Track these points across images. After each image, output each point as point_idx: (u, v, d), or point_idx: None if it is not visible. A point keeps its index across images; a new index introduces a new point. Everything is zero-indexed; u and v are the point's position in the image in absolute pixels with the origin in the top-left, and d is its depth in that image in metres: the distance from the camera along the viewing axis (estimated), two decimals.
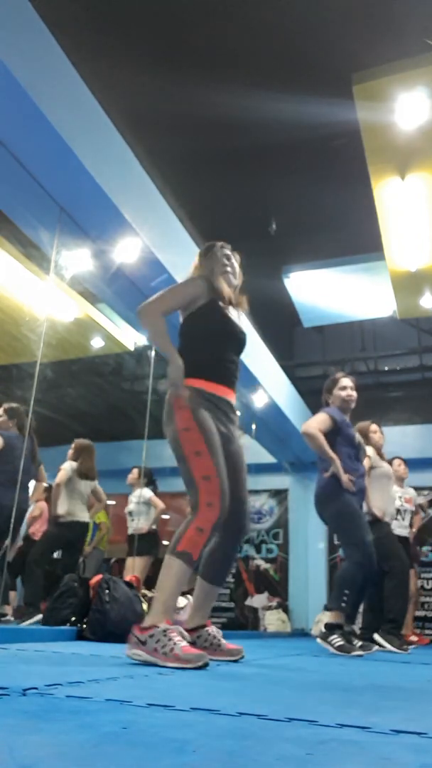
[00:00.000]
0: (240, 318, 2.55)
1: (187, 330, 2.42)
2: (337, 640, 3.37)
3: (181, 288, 2.46)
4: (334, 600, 3.51)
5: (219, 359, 2.35)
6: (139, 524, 6.28)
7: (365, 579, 3.48)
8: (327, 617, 8.28)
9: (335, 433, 3.67)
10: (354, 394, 3.85)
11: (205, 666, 1.87)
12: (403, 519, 5.62)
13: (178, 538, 2.05)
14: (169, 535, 2.35)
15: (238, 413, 2.42)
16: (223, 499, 2.09)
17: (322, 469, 3.67)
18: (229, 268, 2.54)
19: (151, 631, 1.91)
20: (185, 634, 2.03)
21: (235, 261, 2.61)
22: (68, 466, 5.34)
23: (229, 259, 2.58)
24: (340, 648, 3.33)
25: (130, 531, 6.36)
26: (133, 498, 6.44)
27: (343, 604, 3.43)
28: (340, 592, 3.46)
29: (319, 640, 3.50)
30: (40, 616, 4.58)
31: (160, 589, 2.03)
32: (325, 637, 3.44)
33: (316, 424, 3.67)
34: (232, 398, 2.36)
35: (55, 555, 5.59)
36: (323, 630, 3.49)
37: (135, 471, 6.59)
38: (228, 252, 2.60)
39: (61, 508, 5.20)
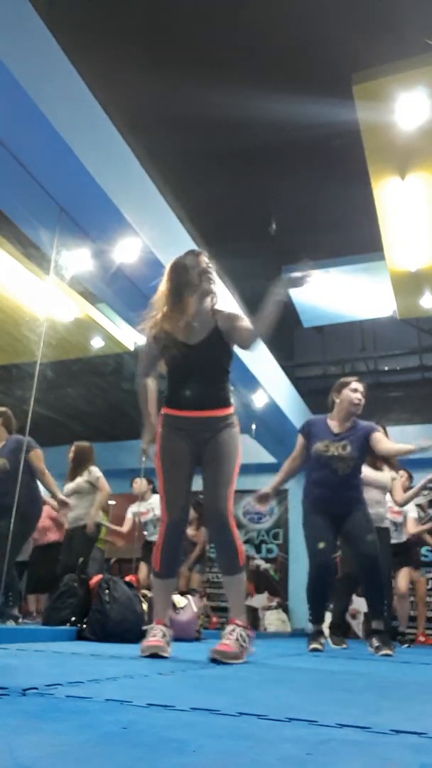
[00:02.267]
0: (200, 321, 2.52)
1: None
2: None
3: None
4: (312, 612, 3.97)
5: (170, 386, 2.59)
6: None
7: (318, 586, 3.85)
8: (327, 617, 8.29)
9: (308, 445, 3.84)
10: (362, 400, 3.84)
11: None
12: (396, 530, 5.63)
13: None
14: None
15: (228, 420, 2.50)
16: (167, 513, 2.42)
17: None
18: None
19: (245, 630, 2.36)
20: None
21: (204, 263, 2.56)
22: (99, 473, 5.37)
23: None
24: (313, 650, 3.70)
25: (149, 539, 6.33)
26: (144, 507, 6.37)
27: (310, 617, 3.92)
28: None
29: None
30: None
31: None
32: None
33: (292, 454, 4.03)
34: (194, 414, 2.48)
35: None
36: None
37: (142, 482, 6.44)
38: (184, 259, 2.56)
39: (91, 516, 5.25)
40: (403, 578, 5.74)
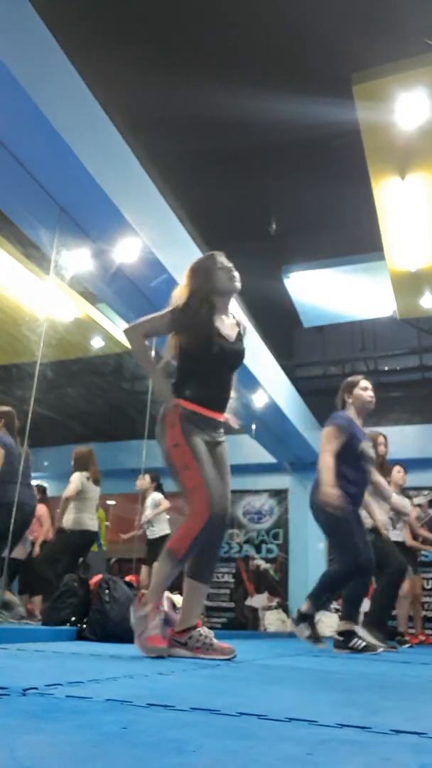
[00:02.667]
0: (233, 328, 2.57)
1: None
2: (359, 642, 3.42)
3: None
4: (320, 598, 3.63)
5: (206, 384, 2.46)
6: (161, 528, 6.27)
7: (358, 584, 3.55)
8: (327, 617, 8.28)
9: (342, 444, 3.63)
10: (374, 397, 3.84)
11: (234, 657, 2.25)
12: (395, 528, 5.62)
13: (172, 536, 2.35)
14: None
15: (231, 420, 2.50)
16: (212, 506, 2.26)
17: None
18: (234, 274, 2.56)
19: (189, 633, 2.32)
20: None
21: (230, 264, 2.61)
22: (78, 479, 5.30)
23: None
24: (365, 649, 3.39)
25: (150, 537, 6.31)
26: (149, 505, 6.38)
27: (319, 602, 3.61)
28: (323, 592, 3.59)
29: (336, 650, 3.51)
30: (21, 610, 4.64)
31: (153, 578, 2.38)
32: (343, 645, 3.46)
33: (329, 451, 3.57)
34: (220, 417, 2.46)
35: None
36: (338, 638, 3.53)
37: (146, 477, 6.45)
38: (227, 261, 2.58)
39: (68, 520, 5.19)
40: (409, 583, 5.77)
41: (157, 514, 6.31)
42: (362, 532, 3.62)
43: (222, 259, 2.55)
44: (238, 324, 2.58)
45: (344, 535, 3.58)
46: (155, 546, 6.03)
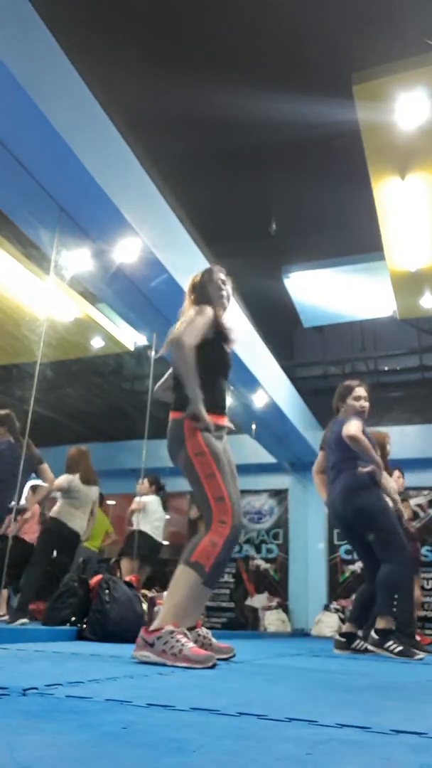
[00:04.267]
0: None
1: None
2: (394, 645, 3.35)
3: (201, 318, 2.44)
4: (384, 606, 3.45)
5: (220, 390, 2.46)
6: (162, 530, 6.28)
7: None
8: (327, 617, 8.26)
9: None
10: (367, 405, 3.83)
11: (213, 666, 1.93)
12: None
13: (191, 549, 2.14)
14: (171, 535, 2.40)
15: (231, 425, 2.48)
16: (234, 517, 2.19)
17: (353, 466, 3.64)
18: (224, 292, 2.57)
19: (159, 633, 1.99)
20: (189, 635, 2.06)
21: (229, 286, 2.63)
22: (64, 478, 5.28)
23: (224, 284, 2.60)
24: (400, 653, 3.31)
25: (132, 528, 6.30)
26: (145, 500, 6.35)
27: (394, 609, 3.41)
28: (389, 597, 3.43)
29: (372, 647, 3.43)
30: (26, 620, 4.61)
31: (171, 594, 2.12)
32: (380, 644, 3.39)
33: (357, 429, 3.59)
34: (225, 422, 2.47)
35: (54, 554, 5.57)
36: (375, 637, 3.42)
37: (145, 481, 6.37)
38: (223, 277, 2.61)
39: (54, 510, 5.21)
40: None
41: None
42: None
43: (218, 275, 2.58)
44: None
45: (389, 527, 3.56)
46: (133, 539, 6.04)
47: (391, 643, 3.36)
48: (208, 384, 2.36)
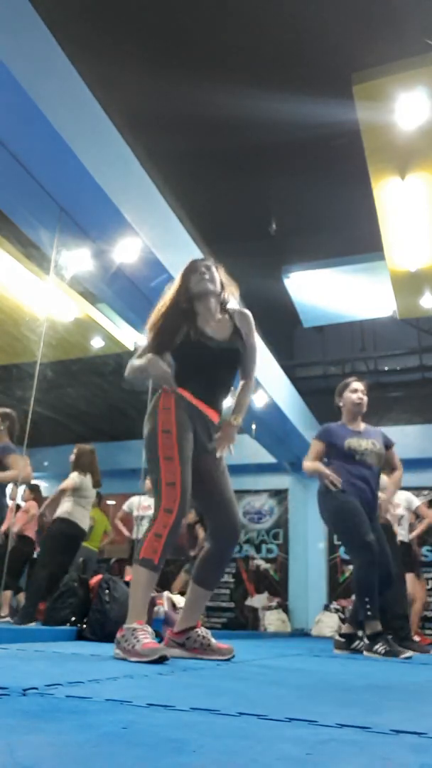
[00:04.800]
0: (225, 326, 2.52)
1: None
2: (381, 646, 3.34)
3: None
4: (360, 610, 3.45)
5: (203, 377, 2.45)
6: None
7: (380, 579, 3.45)
8: (327, 617, 8.25)
9: (329, 449, 3.81)
10: (364, 398, 3.86)
11: (162, 659, 1.96)
12: (399, 525, 5.65)
13: (139, 547, 2.18)
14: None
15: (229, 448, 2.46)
16: (181, 507, 2.17)
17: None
18: (206, 276, 2.53)
19: (123, 632, 2.10)
20: (150, 631, 2.12)
21: (203, 267, 2.57)
22: (76, 476, 5.25)
23: (208, 269, 2.56)
24: (386, 653, 3.31)
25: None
26: (148, 502, 6.33)
27: (369, 613, 3.39)
28: (361, 600, 3.44)
29: (365, 653, 3.44)
30: (33, 624, 4.60)
31: (131, 596, 2.19)
32: (369, 648, 3.39)
33: (308, 458, 3.84)
34: (214, 417, 2.44)
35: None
36: (366, 642, 3.43)
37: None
38: (206, 264, 2.59)
39: (61, 510, 5.16)
40: (410, 584, 5.77)
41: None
42: (365, 521, 3.54)
43: (198, 263, 2.57)
44: (233, 322, 2.53)
45: (344, 530, 3.63)
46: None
47: (378, 645, 3.35)
48: (188, 374, 2.42)
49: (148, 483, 6.37)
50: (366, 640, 3.44)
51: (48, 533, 5.35)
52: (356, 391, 3.85)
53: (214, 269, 2.58)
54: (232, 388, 2.56)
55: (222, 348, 2.44)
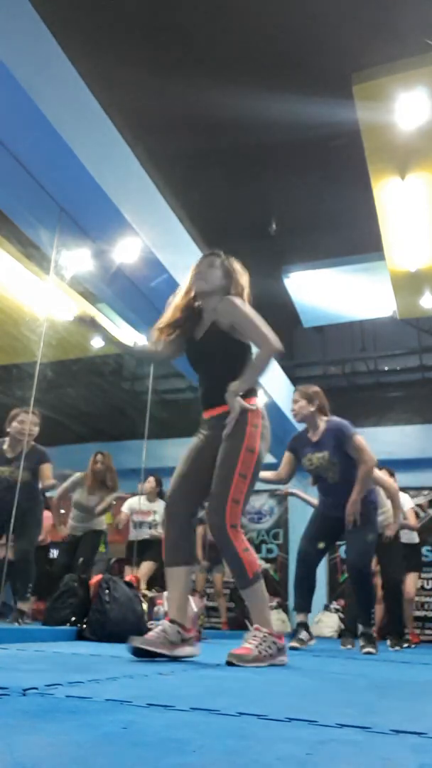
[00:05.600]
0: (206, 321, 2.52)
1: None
2: (362, 647, 3.79)
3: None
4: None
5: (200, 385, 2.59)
6: (159, 530, 6.29)
7: (297, 571, 4.03)
8: (327, 617, 8.27)
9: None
10: (294, 407, 3.86)
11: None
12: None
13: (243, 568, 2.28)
14: None
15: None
16: (168, 497, 2.40)
17: None
18: (200, 273, 2.54)
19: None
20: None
21: (203, 265, 2.55)
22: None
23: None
24: (366, 654, 3.71)
25: (147, 536, 6.26)
26: (156, 508, 6.31)
27: (296, 604, 4.11)
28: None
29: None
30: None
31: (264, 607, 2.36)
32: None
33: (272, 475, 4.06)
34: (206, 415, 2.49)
35: (52, 556, 5.64)
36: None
37: (153, 480, 6.38)
38: (208, 259, 2.58)
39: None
40: (411, 583, 5.79)
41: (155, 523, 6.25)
42: (312, 528, 4.01)
43: (200, 260, 2.59)
44: (212, 315, 2.50)
45: None
46: (148, 547, 6.06)
47: (361, 645, 3.74)
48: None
49: (146, 485, 6.39)
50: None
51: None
52: (294, 402, 3.86)
53: (214, 265, 2.54)
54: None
55: (198, 343, 2.51)
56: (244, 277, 2.57)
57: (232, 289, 2.51)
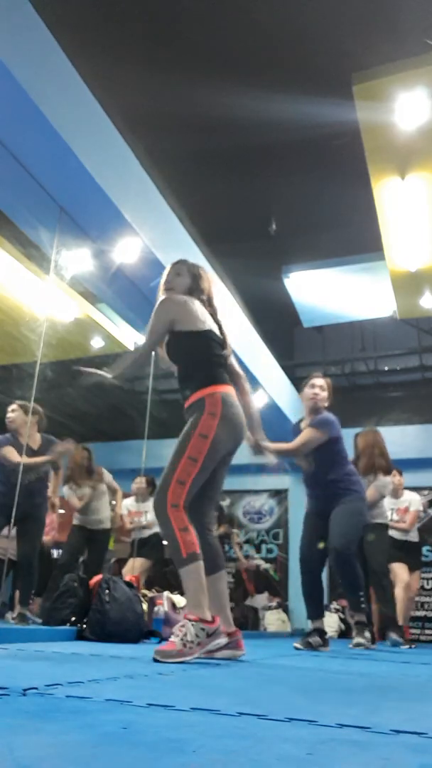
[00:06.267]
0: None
1: None
2: (353, 639, 3.85)
3: None
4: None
5: None
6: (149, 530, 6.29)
7: (303, 581, 3.84)
8: (327, 617, 8.26)
9: None
10: (320, 393, 3.81)
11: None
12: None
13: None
14: None
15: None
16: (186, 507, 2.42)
17: None
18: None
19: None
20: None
21: (170, 274, 2.74)
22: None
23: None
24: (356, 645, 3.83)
25: (145, 535, 6.25)
26: (147, 508, 6.30)
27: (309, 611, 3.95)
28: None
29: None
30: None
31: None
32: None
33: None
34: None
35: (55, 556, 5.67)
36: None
37: (144, 480, 6.38)
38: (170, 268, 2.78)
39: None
40: (414, 579, 5.80)
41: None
42: (306, 531, 3.88)
43: (166, 270, 2.79)
44: None
45: None
46: (144, 545, 6.07)
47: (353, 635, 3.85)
48: None
49: (133, 486, 6.40)
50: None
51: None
52: (314, 386, 3.83)
53: (180, 273, 2.73)
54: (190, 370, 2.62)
55: (167, 344, 2.69)
56: (205, 282, 2.75)
57: (196, 292, 2.69)
